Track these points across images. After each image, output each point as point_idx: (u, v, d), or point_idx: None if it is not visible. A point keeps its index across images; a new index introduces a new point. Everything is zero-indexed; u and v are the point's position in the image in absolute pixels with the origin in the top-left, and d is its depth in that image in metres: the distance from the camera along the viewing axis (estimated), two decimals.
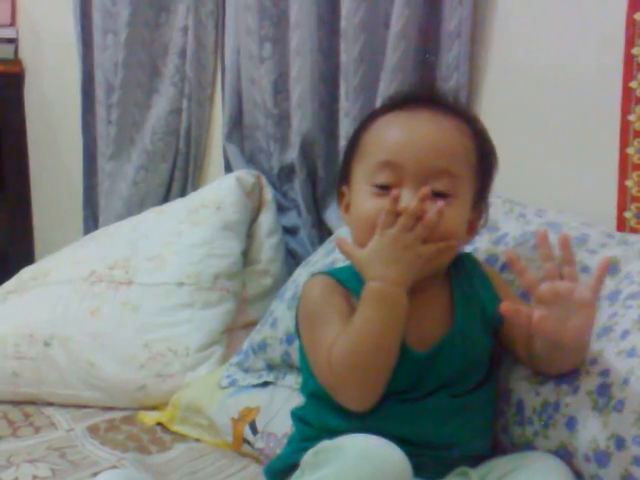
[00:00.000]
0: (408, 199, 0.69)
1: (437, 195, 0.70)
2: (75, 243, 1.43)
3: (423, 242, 0.69)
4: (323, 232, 1.28)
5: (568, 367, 0.74)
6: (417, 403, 0.72)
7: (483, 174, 0.76)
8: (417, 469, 0.64)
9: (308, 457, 0.67)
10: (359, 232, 0.74)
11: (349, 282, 0.74)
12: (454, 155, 0.72)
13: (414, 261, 0.69)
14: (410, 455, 0.63)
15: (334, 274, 0.77)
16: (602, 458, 0.69)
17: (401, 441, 0.64)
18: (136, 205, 1.52)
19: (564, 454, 0.73)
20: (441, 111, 0.73)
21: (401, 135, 0.72)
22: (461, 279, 0.77)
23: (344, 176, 0.78)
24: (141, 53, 1.51)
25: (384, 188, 0.71)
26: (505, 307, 0.68)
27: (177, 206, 1.32)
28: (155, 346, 1.16)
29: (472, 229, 0.78)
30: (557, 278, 0.68)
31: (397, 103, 0.76)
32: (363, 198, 0.73)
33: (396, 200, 0.68)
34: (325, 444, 0.65)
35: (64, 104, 1.80)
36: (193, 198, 1.32)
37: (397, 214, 0.68)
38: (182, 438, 1.04)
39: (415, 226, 0.68)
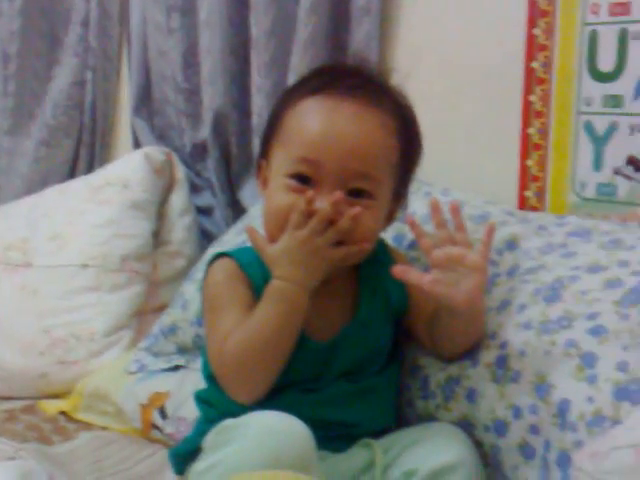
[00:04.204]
0: (323, 200, 0.68)
1: (356, 193, 0.70)
2: None
3: (336, 244, 0.69)
4: (238, 212, 1.25)
5: (465, 344, 0.75)
6: (318, 392, 0.72)
7: (405, 168, 0.76)
8: (320, 442, 0.64)
9: (210, 437, 0.66)
10: (270, 224, 0.73)
11: (250, 267, 0.74)
12: (375, 158, 0.71)
13: (321, 264, 0.69)
14: (313, 431, 0.63)
15: (237, 256, 0.75)
16: (500, 427, 0.71)
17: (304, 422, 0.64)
18: (37, 184, 1.44)
19: (465, 425, 0.74)
20: (367, 103, 0.71)
21: (323, 132, 0.70)
22: (369, 267, 0.77)
23: (263, 150, 0.77)
24: (40, 21, 1.43)
25: (300, 180, 0.70)
26: (396, 269, 0.70)
27: (80, 184, 1.26)
28: (56, 332, 1.11)
29: (390, 217, 0.78)
30: (450, 244, 0.70)
31: (322, 83, 0.73)
32: (278, 190, 0.71)
33: (310, 202, 0.67)
34: (226, 423, 0.64)
35: None
36: (97, 175, 1.26)
37: (309, 214, 0.67)
38: (87, 427, 1.01)
39: (326, 230, 0.67)
